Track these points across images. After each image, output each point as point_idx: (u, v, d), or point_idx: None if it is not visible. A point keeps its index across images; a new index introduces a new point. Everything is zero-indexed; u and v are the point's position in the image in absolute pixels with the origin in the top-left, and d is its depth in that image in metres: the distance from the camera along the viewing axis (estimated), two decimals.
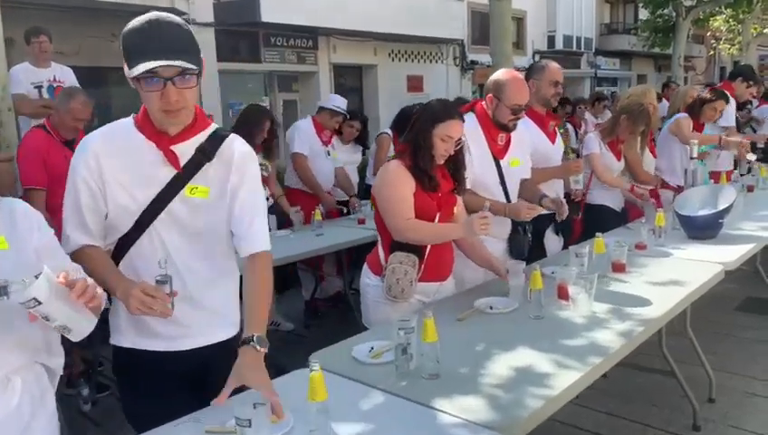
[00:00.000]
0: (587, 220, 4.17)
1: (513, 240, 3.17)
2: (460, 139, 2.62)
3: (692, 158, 4.03)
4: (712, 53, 26.48)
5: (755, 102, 8.05)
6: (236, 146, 1.93)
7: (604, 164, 4.14)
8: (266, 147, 4.48)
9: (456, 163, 2.70)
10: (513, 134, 3.12)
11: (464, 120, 2.65)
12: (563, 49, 23.82)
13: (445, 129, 2.56)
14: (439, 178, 2.65)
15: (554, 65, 3.62)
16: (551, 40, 23.56)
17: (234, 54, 14.65)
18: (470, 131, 3.03)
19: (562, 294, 2.58)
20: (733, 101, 5.77)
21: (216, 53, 14.25)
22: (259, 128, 4.35)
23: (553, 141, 3.69)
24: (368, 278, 2.77)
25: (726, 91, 5.92)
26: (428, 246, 2.64)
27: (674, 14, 15.68)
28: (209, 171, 1.87)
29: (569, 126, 7.88)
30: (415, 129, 2.66)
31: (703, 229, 3.57)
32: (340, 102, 5.17)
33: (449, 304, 2.69)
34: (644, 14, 20.46)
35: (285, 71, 15.82)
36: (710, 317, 4.29)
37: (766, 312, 4.66)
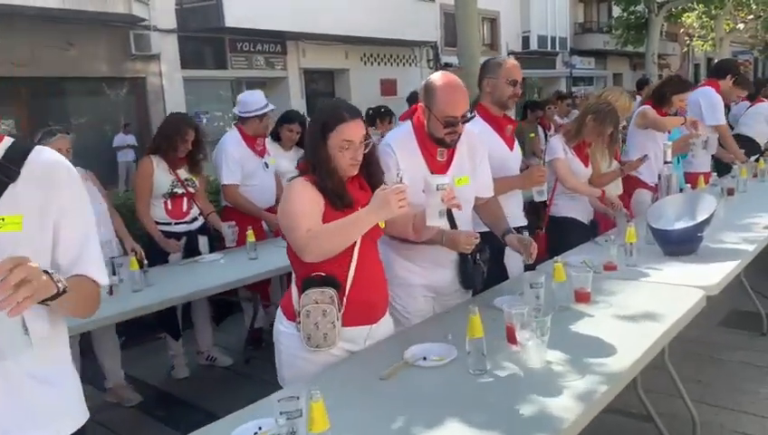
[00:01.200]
0: (551, 235, 3.69)
1: (460, 269, 2.67)
2: (366, 136, 2.13)
3: (666, 162, 3.57)
4: (686, 50, 26.30)
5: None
6: (46, 158, 1.43)
7: (570, 170, 3.67)
8: (192, 160, 3.96)
9: (370, 167, 2.20)
10: (461, 144, 2.62)
11: (360, 117, 2.16)
12: (538, 49, 23.52)
13: (338, 135, 2.07)
14: (354, 191, 2.16)
15: (512, 62, 3.15)
16: (525, 40, 23.24)
17: (199, 61, 14.11)
18: (402, 145, 2.54)
19: (511, 337, 2.10)
20: (719, 100, 5.33)
21: (179, 60, 13.72)
22: (182, 138, 3.82)
23: (511, 147, 3.22)
24: (281, 325, 2.25)
25: (711, 87, 5.51)
26: (350, 279, 2.14)
27: (646, 10, 15.35)
28: (17, 195, 1.37)
29: (540, 131, 7.51)
30: (308, 144, 2.17)
31: (680, 245, 3.10)
32: (255, 100, 4.37)
33: (377, 353, 2.19)
34: (618, 12, 20.17)
35: (253, 77, 15.30)
36: (690, 335, 3.81)
37: (752, 328, 4.21)
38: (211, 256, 3.88)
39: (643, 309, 2.43)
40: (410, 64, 19.39)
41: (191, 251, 3.97)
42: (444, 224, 2.32)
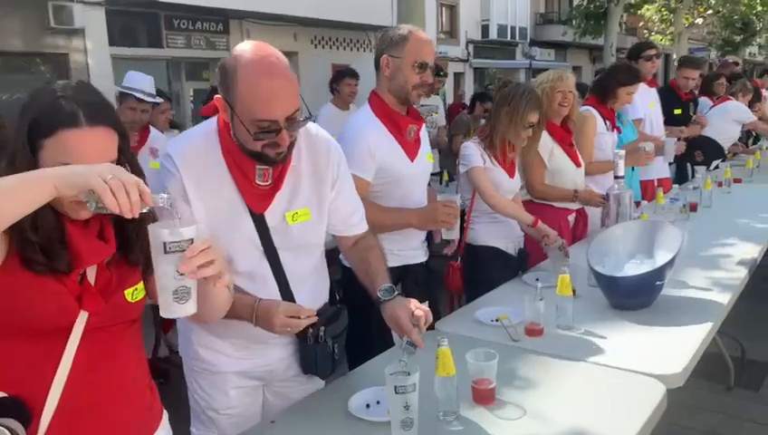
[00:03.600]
0: (468, 268, 2.77)
1: (299, 348, 1.72)
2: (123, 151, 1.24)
3: (617, 177, 2.66)
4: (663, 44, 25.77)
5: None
6: None
7: (490, 183, 2.76)
8: None
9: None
10: (298, 160, 1.63)
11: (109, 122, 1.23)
12: (498, 39, 22.66)
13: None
14: (82, 242, 1.20)
15: (422, 36, 2.20)
16: (485, 29, 22.34)
17: (130, 39, 12.76)
18: (194, 159, 1.57)
19: None
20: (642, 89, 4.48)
21: (107, 36, 12.37)
22: None
23: (412, 157, 2.28)
24: None
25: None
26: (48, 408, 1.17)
27: (606, 0, 14.54)
28: None
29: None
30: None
31: (631, 297, 2.21)
32: (139, 80, 3.65)
33: None
34: (578, 1, 19.35)
35: (193, 57, 14.04)
36: None
37: (716, 379, 3.38)
38: None
39: (570, 423, 1.52)
40: (365, 49, 18.30)
41: None
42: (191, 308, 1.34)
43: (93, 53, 12.12)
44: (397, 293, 1.62)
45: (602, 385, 1.73)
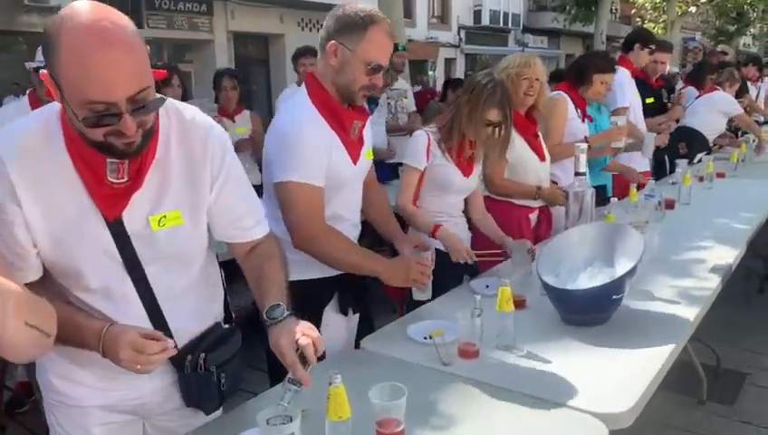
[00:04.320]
0: None
1: (178, 378, 1.44)
2: None
3: (578, 173, 2.37)
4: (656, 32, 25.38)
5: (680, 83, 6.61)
6: None
7: (411, 182, 2.51)
8: None
9: None
10: (165, 151, 1.30)
11: None
12: (490, 25, 22.26)
13: None
14: None
15: (381, 31, 1.81)
16: (477, 15, 21.93)
17: None
18: (33, 152, 1.26)
19: None
20: (626, 79, 4.20)
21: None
22: None
23: (356, 157, 1.96)
24: None
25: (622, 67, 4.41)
26: None
27: None
28: None
29: None
30: None
31: (585, 313, 1.94)
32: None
33: None
34: None
35: (175, 39, 13.64)
36: None
37: (687, 391, 3.12)
38: None
39: None
40: None
41: None
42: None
43: None
44: (286, 314, 1.33)
45: (536, 423, 1.46)
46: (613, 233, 2.11)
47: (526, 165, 2.87)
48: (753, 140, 5.54)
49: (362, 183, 2.08)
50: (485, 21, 21.96)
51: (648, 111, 4.81)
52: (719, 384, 3.18)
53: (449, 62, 20.66)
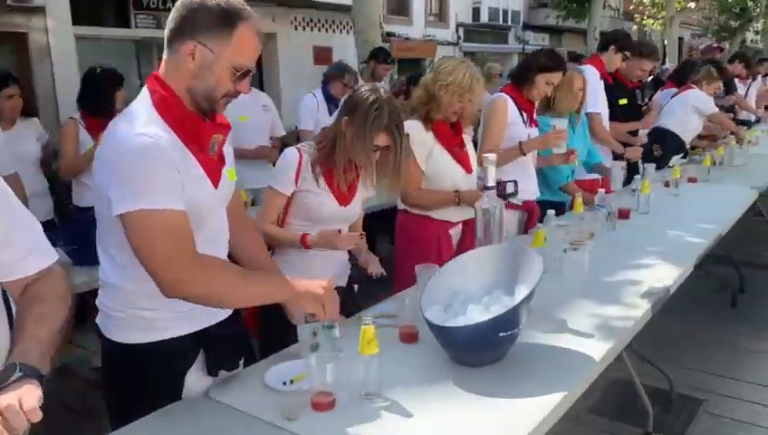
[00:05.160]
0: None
1: None
2: None
3: (487, 187, 2.08)
4: (642, 29, 24.89)
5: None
6: None
7: (275, 206, 2.23)
8: None
9: None
10: None
11: None
12: (489, 22, 21.87)
13: None
14: None
15: (252, 27, 1.51)
16: (476, 12, 21.56)
17: (95, 17, 12.13)
18: None
19: None
20: (596, 80, 3.95)
21: (70, 14, 11.75)
22: None
23: (216, 180, 1.59)
24: None
25: (592, 66, 4.15)
26: None
27: None
28: None
29: None
30: None
31: (469, 352, 1.66)
32: None
33: None
34: None
35: (162, 38, 13.40)
36: None
37: (631, 419, 2.83)
38: None
39: None
40: (348, 32, 17.61)
41: None
42: None
43: (55, 33, 11.49)
44: (17, 375, 1.04)
45: None
46: (514, 256, 1.84)
47: (445, 178, 2.59)
48: (737, 141, 5.21)
49: (226, 210, 1.73)
50: (484, 18, 21.60)
51: (621, 113, 4.54)
52: (671, 414, 2.89)
53: None
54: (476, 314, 1.66)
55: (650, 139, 4.89)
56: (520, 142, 2.97)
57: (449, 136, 2.60)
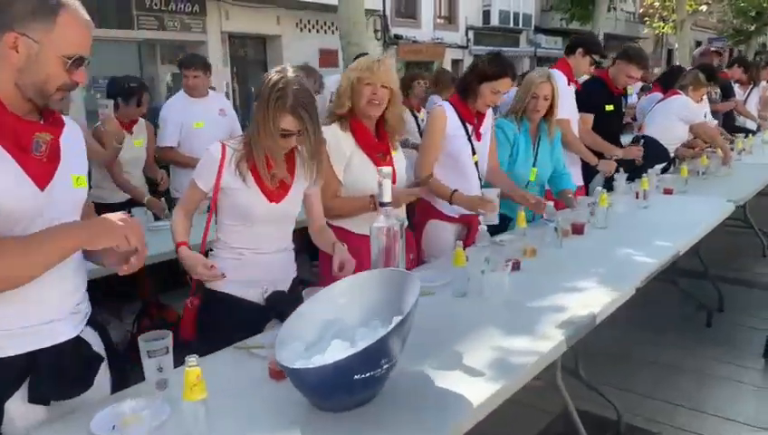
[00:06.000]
0: (205, 312, 2.03)
1: None
2: None
3: (382, 203, 1.85)
4: (659, 32, 24.33)
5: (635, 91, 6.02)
6: None
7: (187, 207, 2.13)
8: None
9: None
10: None
11: None
12: (500, 25, 21.59)
13: None
14: None
15: (79, 14, 1.40)
16: (486, 15, 21.29)
17: (97, 19, 12.09)
18: None
19: None
20: (563, 85, 3.72)
21: None
22: None
23: (42, 184, 1.42)
24: None
25: (559, 71, 3.92)
26: None
27: None
28: None
29: (409, 116, 5.56)
30: None
31: (324, 397, 1.45)
32: None
33: None
34: None
35: (166, 39, 13.37)
36: None
37: None
38: None
39: None
40: None
41: None
42: None
43: None
44: None
45: None
46: (398, 281, 1.62)
47: (364, 189, 2.38)
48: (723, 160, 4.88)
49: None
50: (495, 21, 21.31)
51: (607, 118, 4.29)
52: None
53: (456, 64, 20.05)
54: (337, 353, 1.45)
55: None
56: (453, 192, 2.76)
57: (371, 142, 2.39)
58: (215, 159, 2.01)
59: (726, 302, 4.07)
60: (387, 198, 1.84)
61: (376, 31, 17.90)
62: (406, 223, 1.86)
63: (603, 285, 2.28)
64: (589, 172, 4.17)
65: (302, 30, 15.95)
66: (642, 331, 3.70)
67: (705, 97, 5.74)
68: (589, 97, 4.31)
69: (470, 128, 2.89)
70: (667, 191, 3.96)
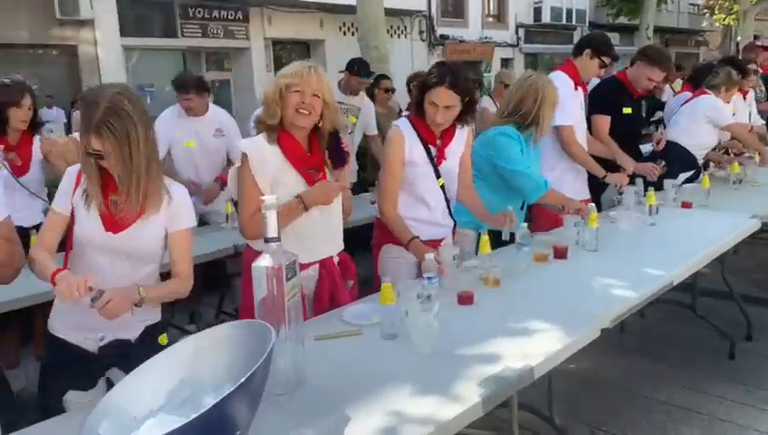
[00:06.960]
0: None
1: None
2: None
3: (268, 239, 1.58)
4: (719, 24, 22.85)
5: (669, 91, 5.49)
6: None
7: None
8: None
9: None
10: None
11: None
12: (551, 23, 20.80)
13: None
14: None
15: None
16: (537, 12, 20.56)
17: (142, 29, 12.36)
18: None
19: None
20: (566, 88, 3.36)
21: (118, 26, 12.01)
22: None
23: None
24: None
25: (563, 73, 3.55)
26: None
27: None
28: None
29: None
30: None
31: None
32: None
33: None
34: None
35: (210, 47, 13.54)
36: None
37: None
38: None
39: None
40: (399, 36, 17.21)
41: None
42: None
43: (103, 45, 11.79)
44: None
45: None
46: (260, 333, 1.36)
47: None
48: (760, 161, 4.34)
49: None
50: (546, 18, 20.55)
51: (625, 122, 3.88)
52: None
53: (506, 63, 19.48)
54: (153, 431, 1.20)
55: (655, 154, 4.18)
56: (411, 239, 2.48)
57: (301, 155, 2.13)
58: (71, 180, 1.81)
59: (756, 329, 3.57)
60: (272, 232, 1.58)
61: (421, 32, 17.60)
62: (299, 259, 1.58)
63: (563, 326, 1.94)
64: (598, 183, 3.77)
65: (344, 34, 15.82)
66: (649, 362, 3.28)
67: (751, 95, 5.19)
68: (606, 97, 3.92)
69: (433, 149, 2.57)
70: (686, 205, 3.51)
